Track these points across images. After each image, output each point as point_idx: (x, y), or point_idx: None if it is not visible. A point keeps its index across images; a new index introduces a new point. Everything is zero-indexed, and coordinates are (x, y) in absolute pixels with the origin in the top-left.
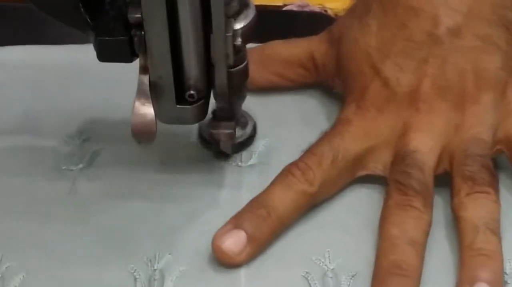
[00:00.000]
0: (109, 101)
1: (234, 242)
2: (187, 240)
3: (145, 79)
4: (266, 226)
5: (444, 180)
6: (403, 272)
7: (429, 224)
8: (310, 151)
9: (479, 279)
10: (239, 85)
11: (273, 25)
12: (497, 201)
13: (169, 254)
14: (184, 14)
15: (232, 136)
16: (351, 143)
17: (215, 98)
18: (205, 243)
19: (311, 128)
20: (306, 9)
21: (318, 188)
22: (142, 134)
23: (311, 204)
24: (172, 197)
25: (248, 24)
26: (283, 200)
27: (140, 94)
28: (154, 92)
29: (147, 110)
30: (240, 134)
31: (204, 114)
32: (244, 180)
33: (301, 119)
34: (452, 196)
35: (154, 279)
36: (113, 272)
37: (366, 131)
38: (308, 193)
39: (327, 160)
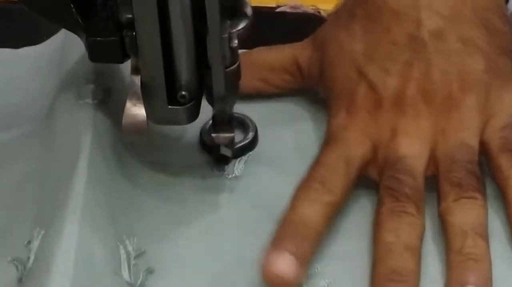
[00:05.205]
0: None
1: (283, 264)
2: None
3: (137, 79)
4: (306, 243)
5: (429, 183)
6: (402, 278)
7: (423, 229)
8: (319, 163)
9: (468, 283)
10: (232, 85)
11: (266, 27)
12: (484, 205)
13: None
14: (175, 14)
15: (231, 139)
16: (353, 148)
17: (212, 101)
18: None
19: (299, 134)
20: (299, 10)
21: (340, 196)
22: (134, 135)
23: (337, 213)
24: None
25: (245, 26)
26: (313, 214)
27: (131, 94)
28: (145, 93)
29: (139, 110)
30: (242, 138)
31: (196, 115)
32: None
33: (287, 125)
34: (439, 200)
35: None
36: None
37: (363, 134)
38: (333, 203)
39: (340, 168)
